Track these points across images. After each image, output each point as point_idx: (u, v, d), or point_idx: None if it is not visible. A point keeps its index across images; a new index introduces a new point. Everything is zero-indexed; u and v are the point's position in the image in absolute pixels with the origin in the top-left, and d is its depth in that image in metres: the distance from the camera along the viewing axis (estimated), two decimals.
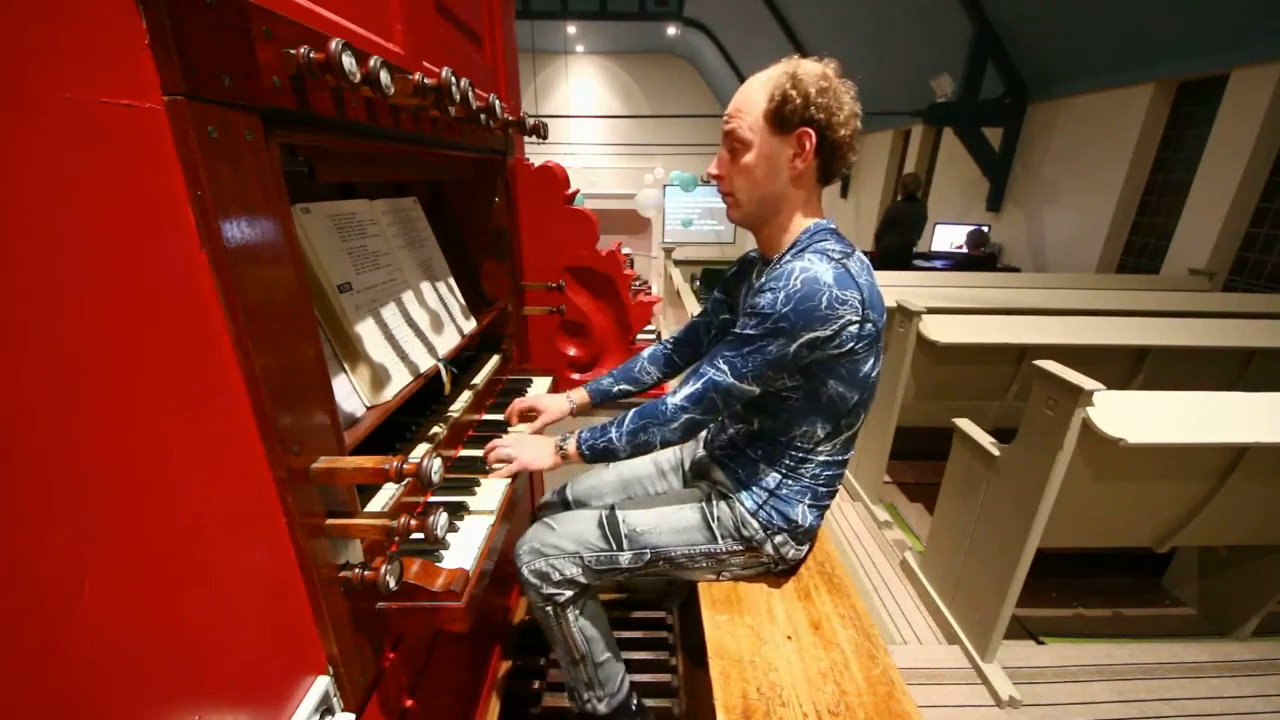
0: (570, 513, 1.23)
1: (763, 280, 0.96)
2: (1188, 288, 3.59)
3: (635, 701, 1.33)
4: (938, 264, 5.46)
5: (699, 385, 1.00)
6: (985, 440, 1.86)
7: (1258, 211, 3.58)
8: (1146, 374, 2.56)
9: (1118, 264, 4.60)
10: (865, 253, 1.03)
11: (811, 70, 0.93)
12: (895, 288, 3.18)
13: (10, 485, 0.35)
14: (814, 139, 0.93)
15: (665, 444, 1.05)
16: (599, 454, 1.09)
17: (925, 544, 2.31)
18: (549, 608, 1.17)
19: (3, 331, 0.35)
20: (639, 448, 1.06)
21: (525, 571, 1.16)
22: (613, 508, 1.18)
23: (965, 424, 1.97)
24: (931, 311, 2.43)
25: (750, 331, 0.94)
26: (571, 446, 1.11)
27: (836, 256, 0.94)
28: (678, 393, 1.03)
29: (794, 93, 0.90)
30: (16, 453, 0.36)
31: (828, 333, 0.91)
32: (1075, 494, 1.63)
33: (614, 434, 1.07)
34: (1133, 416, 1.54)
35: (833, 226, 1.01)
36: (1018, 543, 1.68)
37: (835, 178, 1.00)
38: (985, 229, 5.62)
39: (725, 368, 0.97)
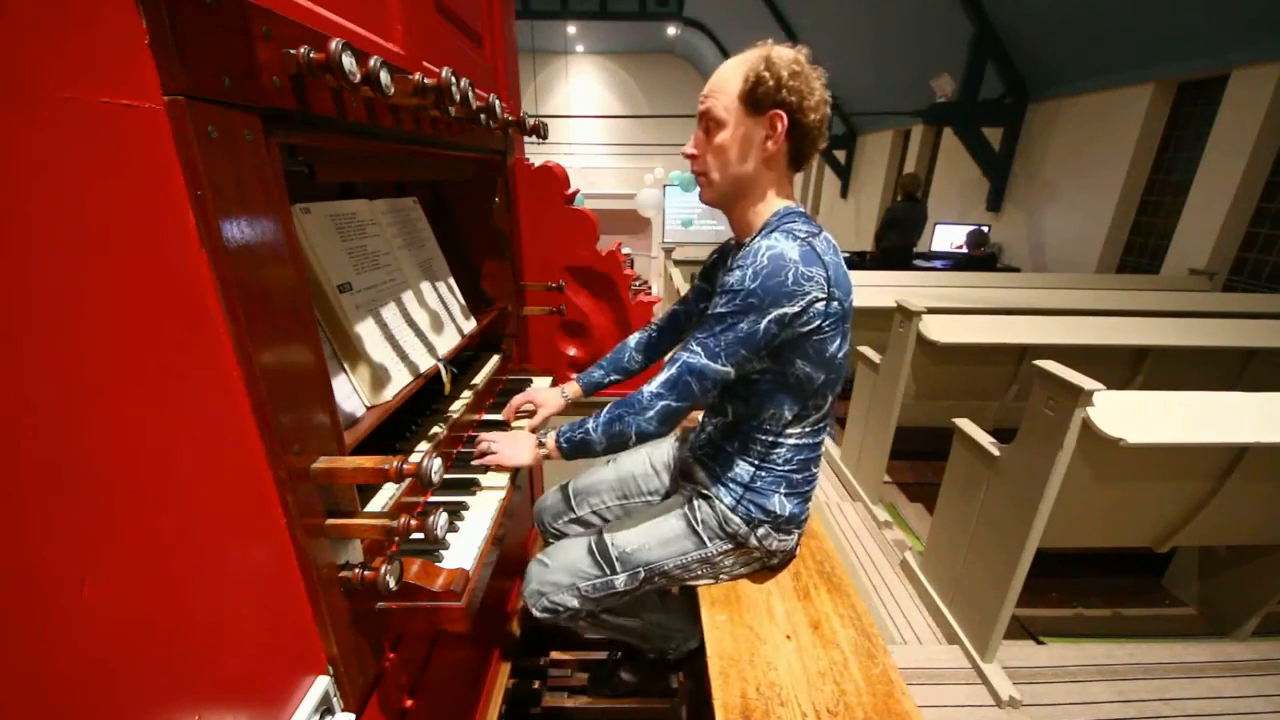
0: (560, 544, 1.24)
1: (733, 260, 0.98)
2: (1188, 288, 3.59)
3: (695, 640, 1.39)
4: (938, 264, 5.46)
5: (674, 370, 1.00)
6: (985, 440, 1.86)
7: (1258, 211, 3.58)
8: (1146, 374, 2.56)
9: (1118, 264, 4.60)
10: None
11: (784, 55, 0.94)
12: (895, 288, 3.18)
13: (10, 485, 0.35)
14: (785, 122, 0.94)
15: (641, 433, 1.03)
16: (576, 447, 1.08)
17: (925, 544, 2.31)
18: (583, 623, 1.21)
19: (2, 331, 0.35)
20: (614, 438, 1.05)
21: (536, 612, 1.18)
22: (600, 532, 1.19)
23: (965, 424, 1.97)
24: (931, 311, 2.43)
25: (721, 310, 0.95)
26: (550, 442, 1.10)
27: (802, 235, 0.95)
28: (654, 380, 1.03)
29: (767, 74, 0.92)
30: (16, 453, 0.36)
31: (795, 308, 0.92)
32: (1075, 494, 1.63)
33: (590, 425, 1.06)
34: (1133, 416, 1.54)
35: (802, 210, 1.03)
36: (1018, 543, 1.68)
37: (806, 163, 1.03)
38: (985, 229, 5.62)
39: (699, 349, 0.98)
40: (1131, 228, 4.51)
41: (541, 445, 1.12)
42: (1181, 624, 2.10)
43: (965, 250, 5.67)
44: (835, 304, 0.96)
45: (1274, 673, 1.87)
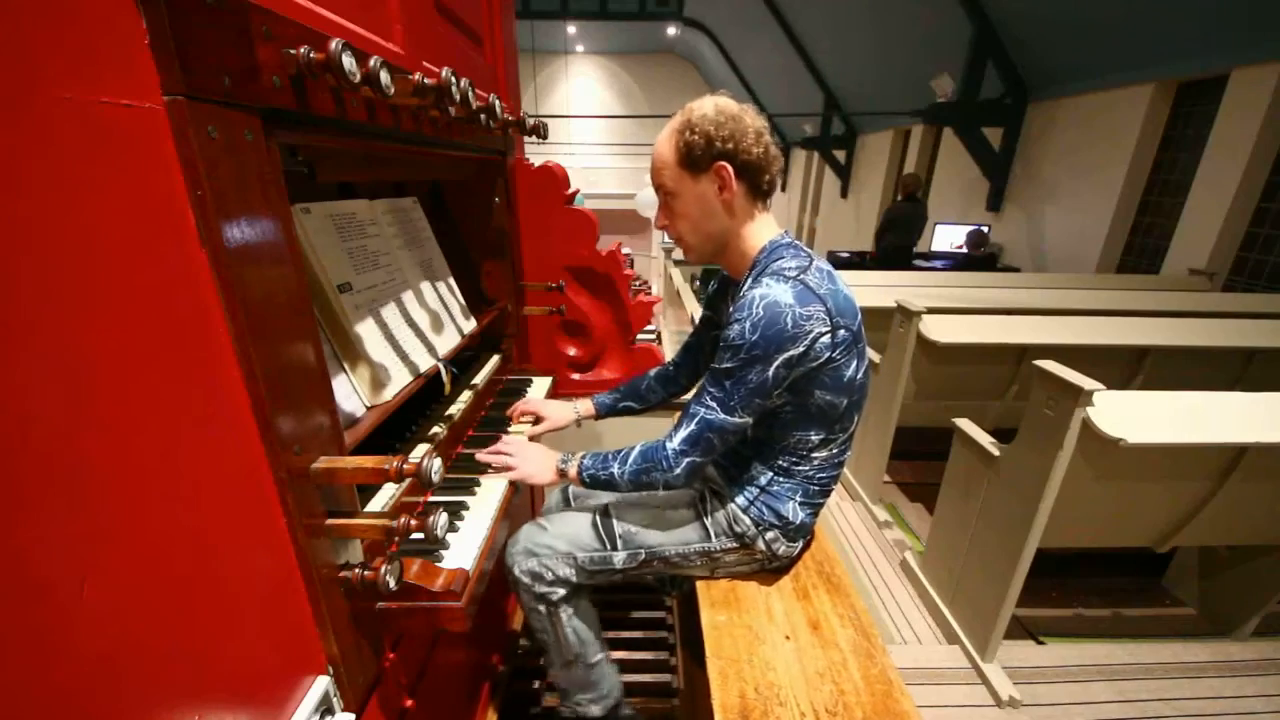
0: (563, 513, 1.24)
1: (731, 311, 0.98)
2: (1188, 288, 3.59)
3: (627, 708, 1.34)
4: (938, 264, 5.46)
5: (694, 426, 1.01)
6: (985, 440, 1.86)
7: (1258, 211, 3.58)
8: (1146, 374, 2.56)
9: (1118, 264, 4.60)
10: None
11: (704, 109, 0.96)
12: (895, 288, 3.18)
13: (10, 485, 0.35)
14: (730, 169, 0.96)
15: (669, 487, 1.06)
16: (599, 485, 1.10)
17: (925, 544, 2.31)
18: (541, 606, 1.17)
19: (2, 331, 0.35)
20: (640, 488, 1.07)
21: (516, 571, 1.16)
22: (607, 507, 1.19)
23: (965, 424, 1.97)
24: (931, 311, 2.43)
25: (727, 365, 0.96)
26: (573, 470, 1.12)
27: (793, 274, 0.96)
28: (675, 435, 1.03)
29: (694, 137, 0.95)
30: (17, 453, 0.36)
31: (800, 349, 0.93)
32: (1075, 494, 1.63)
33: (616, 470, 1.07)
34: (1133, 416, 1.54)
35: (787, 241, 1.03)
36: (1018, 543, 1.68)
37: (770, 191, 1.03)
38: (985, 229, 5.62)
39: (714, 404, 0.99)
40: (1131, 228, 4.51)
41: (562, 469, 1.12)
42: (1181, 624, 2.10)
43: (965, 250, 5.66)
44: (842, 332, 0.96)
45: (1274, 673, 1.87)
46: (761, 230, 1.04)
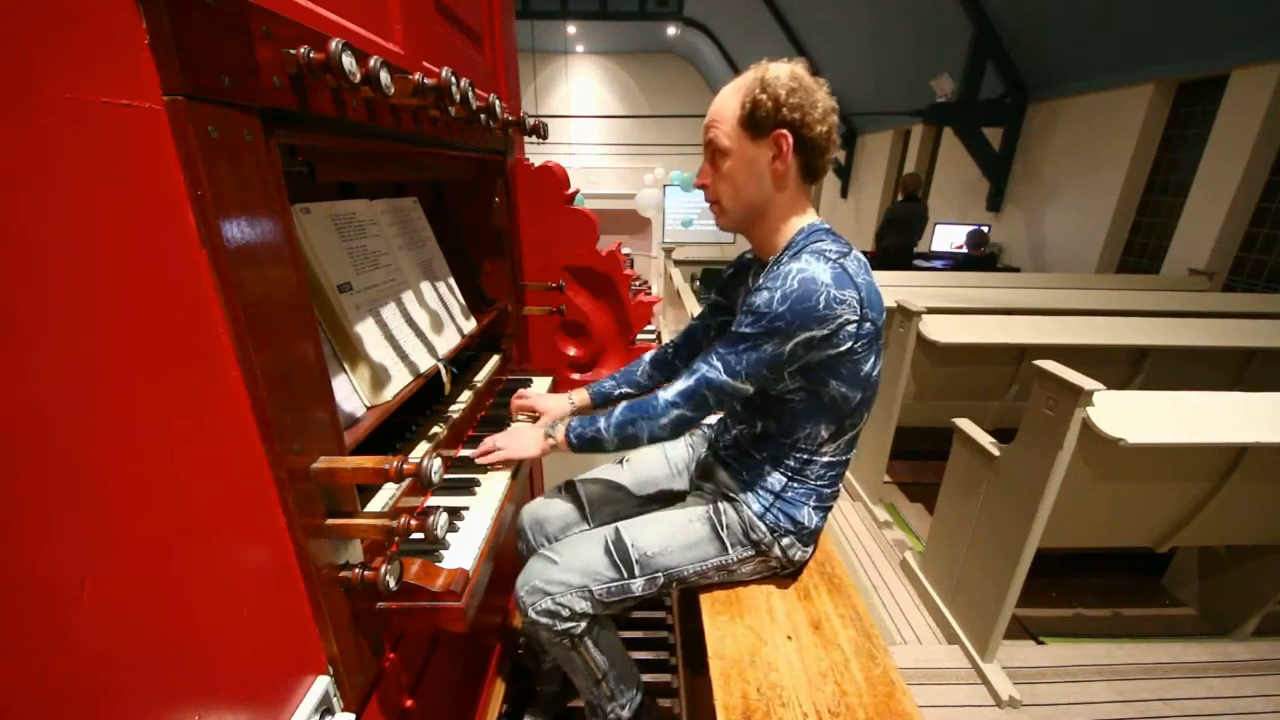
0: (570, 541, 1.18)
1: (760, 281, 0.96)
2: (1188, 288, 3.59)
3: (649, 700, 1.32)
4: (938, 264, 5.46)
5: (692, 381, 1.00)
6: (985, 440, 1.86)
7: (1258, 211, 3.58)
8: (1146, 374, 2.56)
9: (1118, 264, 4.60)
10: (865, 253, 1.03)
11: (780, 72, 0.93)
12: (895, 288, 3.18)
13: (10, 485, 0.35)
14: (790, 140, 0.93)
15: (653, 439, 1.05)
16: (586, 443, 1.09)
17: (925, 544, 2.31)
18: (565, 641, 1.11)
19: (2, 331, 0.35)
20: (626, 440, 1.06)
21: (532, 614, 1.09)
22: (617, 531, 1.14)
23: (965, 424, 1.97)
24: (931, 311, 2.43)
25: (746, 330, 0.94)
26: (560, 434, 1.11)
27: (833, 256, 0.94)
28: (671, 388, 1.02)
29: (764, 97, 0.91)
30: (17, 452, 0.36)
31: (825, 332, 0.91)
32: (1075, 494, 1.63)
33: (602, 424, 1.07)
34: (1133, 416, 1.54)
35: (827, 226, 1.01)
36: (1017, 543, 1.68)
37: (820, 175, 1.01)
38: (985, 229, 5.62)
39: (719, 365, 0.97)
40: (1131, 228, 4.51)
41: (549, 437, 1.12)
42: (1181, 624, 2.10)
43: (965, 250, 5.66)
44: (868, 325, 0.94)
45: (1274, 673, 1.87)
46: (803, 211, 1.02)
